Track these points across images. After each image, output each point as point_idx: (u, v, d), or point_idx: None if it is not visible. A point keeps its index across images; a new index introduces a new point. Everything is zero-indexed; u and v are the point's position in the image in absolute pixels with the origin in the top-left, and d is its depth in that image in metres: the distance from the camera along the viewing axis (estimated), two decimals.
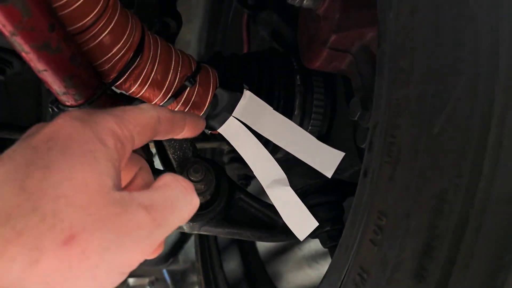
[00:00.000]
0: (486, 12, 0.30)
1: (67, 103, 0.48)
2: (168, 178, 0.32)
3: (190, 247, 1.25)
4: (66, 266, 0.25)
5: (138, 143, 0.34)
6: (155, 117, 0.36)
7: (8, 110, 0.89)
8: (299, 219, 0.56)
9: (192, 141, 0.61)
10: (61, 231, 0.25)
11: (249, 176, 0.88)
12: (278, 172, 0.56)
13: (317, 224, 0.56)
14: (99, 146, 0.29)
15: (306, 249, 0.87)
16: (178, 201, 0.31)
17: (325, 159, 0.54)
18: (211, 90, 0.55)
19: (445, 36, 0.32)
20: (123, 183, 0.36)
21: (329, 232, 0.66)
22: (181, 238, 1.25)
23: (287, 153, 0.71)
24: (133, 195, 0.29)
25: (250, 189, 0.95)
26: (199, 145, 0.92)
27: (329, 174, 0.55)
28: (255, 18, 0.78)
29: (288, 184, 0.56)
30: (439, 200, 0.31)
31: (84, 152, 0.28)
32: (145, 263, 1.04)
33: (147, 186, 0.35)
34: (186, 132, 0.42)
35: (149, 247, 0.29)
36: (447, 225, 0.31)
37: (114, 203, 0.27)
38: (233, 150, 0.63)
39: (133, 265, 0.29)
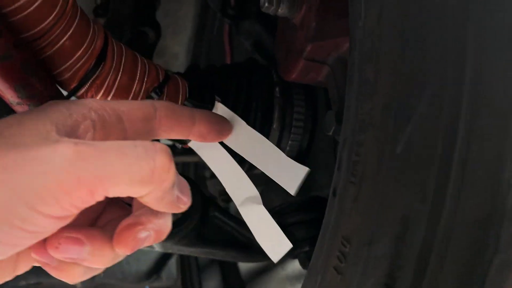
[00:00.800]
0: (453, 20, 0.27)
1: None
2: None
3: (174, 263, 1.21)
4: None
5: (131, 131, 0.32)
6: (148, 102, 0.34)
7: None
8: (273, 240, 0.53)
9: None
10: None
11: None
12: (251, 189, 0.53)
13: (291, 246, 0.52)
14: (56, 106, 0.29)
15: (289, 268, 0.84)
16: (126, 153, 0.26)
17: (290, 175, 0.51)
18: (179, 102, 0.52)
19: (410, 44, 0.29)
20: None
21: (308, 253, 0.63)
22: (164, 255, 1.21)
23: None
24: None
25: (232, 205, 0.92)
26: (180, 159, 0.89)
27: (292, 191, 0.51)
28: (238, 28, 0.76)
29: (261, 202, 0.53)
30: (402, 226, 0.28)
31: (40, 108, 0.29)
32: (127, 280, 0.99)
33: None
34: (202, 132, 0.39)
35: (64, 181, 0.25)
36: (410, 254, 0.28)
37: (40, 137, 0.26)
38: None
39: (42, 199, 0.25)
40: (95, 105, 0.31)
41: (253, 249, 0.62)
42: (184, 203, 0.32)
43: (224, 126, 0.43)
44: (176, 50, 1.22)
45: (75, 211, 0.26)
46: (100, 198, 0.26)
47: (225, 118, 0.43)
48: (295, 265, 0.86)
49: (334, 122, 0.47)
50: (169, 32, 1.21)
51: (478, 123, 0.25)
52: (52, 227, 0.27)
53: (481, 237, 0.26)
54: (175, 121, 0.36)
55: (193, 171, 1.03)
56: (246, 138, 0.52)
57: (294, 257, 0.65)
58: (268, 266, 0.86)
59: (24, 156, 0.25)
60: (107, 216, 0.34)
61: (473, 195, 0.25)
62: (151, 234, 0.30)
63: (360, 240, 0.31)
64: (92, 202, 0.26)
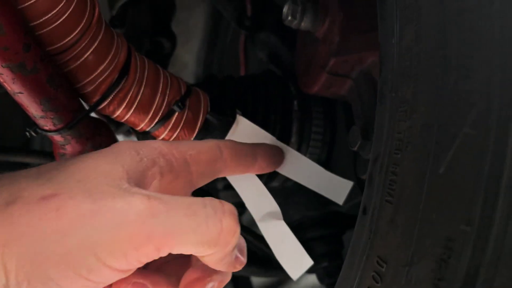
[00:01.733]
0: (498, 37, 0.26)
1: (46, 128, 0.45)
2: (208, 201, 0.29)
3: None
4: (36, 219, 0.24)
5: (197, 174, 0.33)
6: (214, 144, 0.35)
7: None
8: (293, 256, 0.52)
9: None
10: (46, 189, 0.25)
11: (243, 204, 0.85)
12: (271, 204, 0.52)
13: (312, 263, 0.52)
14: (128, 149, 0.30)
15: (302, 282, 0.83)
16: (196, 212, 0.27)
17: (335, 188, 0.53)
18: (201, 115, 0.51)
19: (453, 64, 0.28)
20: None
21: (326, 268, 0.62)
22: None
23: (284, 182, 0.68)
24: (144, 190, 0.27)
25: (245, 217, 0.92)
26: None
27: (341, 201, 0.53)
28: (253, 39, 0.75)
29: (282, 218, 0.52)
30: (445, 249, 0.27)
31: (111, 150, 0.30)
32: None
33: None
34: (261, 167, 0.40)
35: (134, 237, 0.25)
36: (454, 278, 0.27)
37: (113, 186, 0.26)
38: None
39: (111, 252, 0.25)
40: (164, 149, 0.31)
41: (271, 264, 0.61)
42: (241, 263, 0.32)
43: (280, 158, 0.44)
44: (186, 59, 1.22)
45: (138, 265, 0.26)
46: (165, 254, 0.27)
47: (280, 149, 0.45)
48: (308, 279, 0.85)
49: (360, 137, 0.46)
50: (179, 41, 1.21)
51: None
52: (114, 278, 0.27)
53: None
54: (239, 161, 0.37)
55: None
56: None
57: (312, 272, 0.64)
58: (281, 280, 0.85)
59: (100, 207, 0.25)
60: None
61: None
62: (215, 285, 0.31)
63: (399, 260, 0.31)
64: (156, 257, 0.27)
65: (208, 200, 0.28)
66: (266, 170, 0.40)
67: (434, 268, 0.28)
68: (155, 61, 0.55)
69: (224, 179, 0.85)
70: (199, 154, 0.33)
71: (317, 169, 0.53)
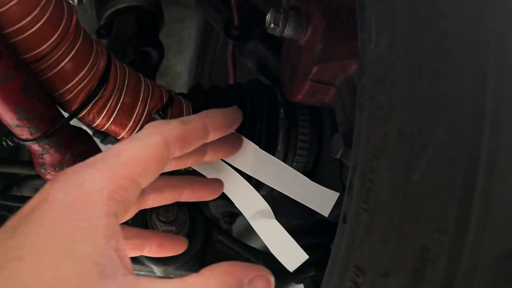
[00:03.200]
0: (472, 43, 0.26)
1: (22, 137, 0.44)
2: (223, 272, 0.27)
3: None
4: None
5: (146, 182, 0.30)
6: (161, 143, 0.31)
7: None
8: (288, 250, 0.52)
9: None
10: None
11: (234, 213, 0.84)
12: (261, 203, 0.53)
13: (307, 257, 0.52)
14: (84, 225, 0.25)
15: None
16: None
17: (320, 199, 0.52)
18: None
19: (426, 70, 0.28)
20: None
21: (313, 278, 0.61)
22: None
23: (271, 191, 0.67)
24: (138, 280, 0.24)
25: (234, 228, 0.91)
26: None
27: (326, 213, 0.53)
28: (241, 49, 0.75)
29: (273, 216, 0.52)
30: (421, 258, 0.27)
31: (64, 237, 0.24)
32: None
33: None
34: (215, 134, 0.36)
35: None
36: (431, 287, 0.26)
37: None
38: None
39: None
40: (110, 189, 0.27)
41: None
42: None
43: (237, 122, 0.40)
44: (179, 70, 1.22)
45: None
46: None
47: (227, 110, 0.40)
48: None
49: (342, 144, 0.46)
50: (172, 51, 1.21)
51: (501, 151, 0.24)
52: None
53: (505, 270, 0.24)
54: (187, 144, 0.34)
55: None
56: (260, 161, 0.52)
57: (299, 282, 0.63)
58: None
59: None
60: None
61: (498, 226, 0.24)
62: None
63: (376, 270, 0.30)
64: None
65: None
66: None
67: (410, 279, 0.27)
68: (143, 71, 0.55)
69: None
70: (148, 165, 0.30)
71: (302, 180, 0.53)
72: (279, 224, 0.53)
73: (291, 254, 0.53)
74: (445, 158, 0.26)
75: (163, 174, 0.33)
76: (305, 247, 0.61)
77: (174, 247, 0.48)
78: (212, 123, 0.36)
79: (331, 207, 0.52)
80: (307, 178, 0.53)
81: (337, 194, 0.53)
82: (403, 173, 0.28)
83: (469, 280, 0.25)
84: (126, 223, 0.50)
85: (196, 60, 1.07)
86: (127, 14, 0.69)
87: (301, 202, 0.53)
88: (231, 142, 0.39)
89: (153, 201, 0.38)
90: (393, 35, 0.31)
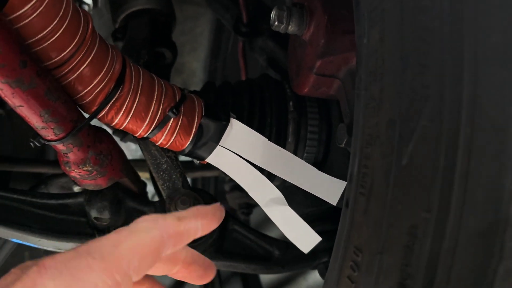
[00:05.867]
0: (449, 38, 0.28)
1: (48, 138, 0.47)
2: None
3: None
4: None
5: (138, 277, 0.29)
6: (158, 239, 0.30)
7: (12, 142, 0.90)
8: (302, 234, 0.55)
9: (182, 171, 0.60)
10: None
11: (250, 204, 0.87)
12: (274, 191, 0.55)
13: (320, 238, 0.55)
14: None
15: (310, 279, 0.85)
16: None
17: (329, 188, 0.54)
18: (196, 120, 0.54)
19: (410, 62, 0.30)
20: None
21: (327, 263, 0.64)
22: None
23: (284, 181, 0.70)
24: None
25: (252, 218, 0.94)
26: (200, 174, 0.91)
27: (334, 202, 0.55)
28: (251, 45, 0.78)
29: (286, 203, 0.55)
30: (410, 236, 0.29)
31: None
32: None
33: None
34: (204, 231, 0.35)
35: None
36: (419, 263, 0.28)
37: None
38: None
39: None
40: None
41: (272, 261, 0.63)
42: None
43: (219, 214, 0.38)
44: (194, 67, 1.25)
45: None
46: None
47: (216, 207, 0.38)
48: (316, 276, 0.86)
49: (346, 134, 0.48)
50: (187, 49, 1.25)
51: (477, 135, 0.26)
52: None
53: (486, 245, 0.27)
54: (181, 241, 0.33)
55: (213, 186, 1.05)
56: (269, 154, 0.54)
57: (313, 268, 0.66)
58: (290, 277, 0.87)
59: None
60: None
61: (477, 204, 0.26)
62: None
63: (372, 249, 0.32)
64: None
65: None
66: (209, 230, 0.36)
67: (401, 255, 0.30)
68: (156, 71, 0.58)
69: (231, 179, 0.88)
70: (143, 259, 0.29)
71: (311, 170, 0.55)
72: (292, 210, 0.55)
73: (305, 237, 0.56)
74: (429, 143, 0.28)
75: None
76: (318, 234, 0.64)
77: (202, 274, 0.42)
78: (204, 220, 0.35)
79: (339, 196, 0.55)
80: (316, 169, 0.55)
81: (345, 183, 0.54)
82: (393, 158, 0.31)
83: (452, 254, 0.27)
84: None
85: (210, 57, 1.10)
86: (141, 17, 0.72)
87: (310, 191, 0.56)
88: (204, 267, 0.39)
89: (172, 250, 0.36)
90: (382, 29, 0.33)
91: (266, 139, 0.55)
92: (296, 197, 0.71)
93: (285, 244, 0.64)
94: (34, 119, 0.45)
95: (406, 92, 0.30)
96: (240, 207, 0.87)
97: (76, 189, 0.71)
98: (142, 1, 0.72)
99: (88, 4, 0.90)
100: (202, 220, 0.35)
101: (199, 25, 1.23)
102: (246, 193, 0.83)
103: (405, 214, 0.29)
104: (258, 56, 0.79)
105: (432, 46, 0.28)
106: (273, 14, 0.53)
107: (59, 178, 0.73)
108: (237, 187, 0.87)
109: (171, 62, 0.75)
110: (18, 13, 0.39)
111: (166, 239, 0.31)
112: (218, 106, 0.56)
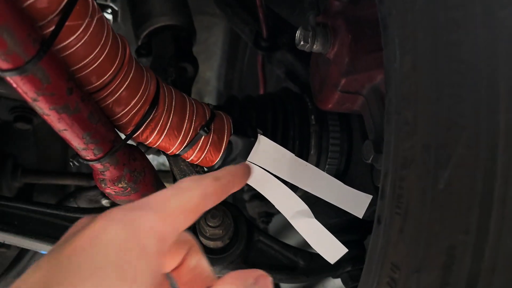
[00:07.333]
0: (484, 65, 0.30)
1: (87, 158, 0.50)
2: (230, 279, 0.31)
3: None
4: None
5: (182, 229, 0.32)
6: (200, 196, 0.33)
7: (37, 155, 0.93)
8: (328, 245, 0.57)
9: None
10: None
11: (269, 213, 0.89)
12: (300, 204, 0.57)
13: (346, 250, 0.56)
14: (139, 255, 0.28)
15: (329, 286, 0.86)
16: None
17: (354, 201, 0.56)
18: (225, 137, 0.56)
19: (446, 90, 0.32)
20: (172, 266, 0.34)
21: (350, 272, 0.66)
22: None
23: (306, 192, 0.72)
24: None
25: (271, 227, 0.95)
26: None
27: (360, 215, 0.57)
28: (270, 58, 0.80)
29: (312, 215, 0.57)
30: (448, 256, 0.31)
31: (117, 275, 0.27)
32: None
33: (197, 269, 0.34)
34: (236, 188, 0.39)
35: None
36: (458, 282, 0.30)
37: None
38: (253, 188, 0.64)
39: None
40: None
41: (297, 271, 0.65)
42: None
43: (248, 172, 0.41)
44: (207, 76, 1.27)
45: None
46: None
47: (244, 166, 0.41)
48: (335, 283, 0.88)
49: (372, 151, 0.50)
50: (201, 59, 1.27)
51: None
52: None
53: None
54: (219, 198, 0.35)
55: (232, 195, 1.07)
56: (295, 168, 0.56)
57: (336, 277, 0.68)
58: (309, 285, 0.89)
59: None
60: None
61: None
62: None
63: (409, 267, 0.34)
64: None
65: None
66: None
67: (440, 274, 0.32)
68: (180, 86, 0.60)
69: (250, 189, 0.89)
70: (188, 215, 0.32)
71: (336, 184, 0.57)
72: (318, 223, 0.57)
73: (331, 248, 0.58)
74: (466, 169, 0.30)
75: None
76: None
77: None
78: (236, 178, 0.38)
79: (365, 209, 0.56)
80: (341, 182, 0.57)
81: (370, 196, 0.57)
82: (430, 181, 0.32)
83: (492, 275, 0.29)
84: None
85: (225, 67, 1.12)
86: (163, 33, 0.74)
87: (336, 205, 0.58)
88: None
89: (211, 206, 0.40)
90: (414, 58, 0.35)
91: (293, 154, 0.57)
92: (318, 208, 0.73)
93: (309, 254, 0.66)
94: (76, 142, 0.47)
95: (442, 120, 0.32)
96: (259, 216, 0.89)
97: (104, 202, 0.73)
98: (165, 18, 0.74)
99: (108, 19, 0.92)
100: (235, 178, 0.38)
101: (212, 34, 1.25)
102: (266, 202, 0.85)
103: (443, 235, 0.31)
104: (277, 69, 0.81)
105: (467, 75, 0.30)
106: (298, 34, 0.55)
107: (87, 192, 0.76)
108: (256, 196, 0.89)
109: (192, 76, 0.78)
110: (64, 44, 0.42)
111: (206, 197, 0.33)
112: (245, 123, 0.58)
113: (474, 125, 0.30)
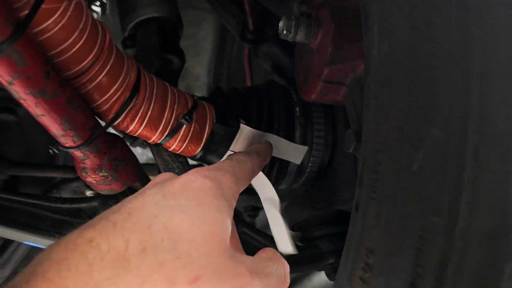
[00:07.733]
0: (458, 51, 0.30)
1: (66, 145, 0.49)
2: (271, 254, 0.37)
3: None
4: None
5: (242, 190, 0.39)
6: (251, 167, 0.43)
7: (23, 148, 0.92)
8: (284, 238, 0.60)
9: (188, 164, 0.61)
10: (191, 271, 0.29)
11: (256, 207, 0.88)
12: (272, 192, 0.58)
13: (295, 252, 0.60)
14: (225, 204, 0.34)
15: (315, 280, 0.86)
16: (273, 275, 0.35)
17: (294, 152, 0.65)
18: (207, 127, 0.56)
19: (420, 74, 0.32)
20: None
21: (333, 265, 0.65)
22: None
23: (290, 185, 0.71)
24: (241, 258, 0.33)
25: (258, 221, 0.95)
26: None
27: (298, 162, 0.66)
28: (257, 51, 0.79)
29: (278, 207, 0.57)
30: (420, 238, 0.31)
31: (214, 207, 0.33)
32: None
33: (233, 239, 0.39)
34: (268, 160, 0.51)
35: None
36: (429, 264, 0.30)
37: (229, 258, 0.31)
38: None
39: None
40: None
41: None
42: None
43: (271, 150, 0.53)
44: (197, 71, 1.27)
45: None
46: None
47: (268, 145, 0.54)
48: (321, 277, 0.88)
49: (354, 140, 0.50)
50: (190, 54, 1.26)
51: (485, 144, 0.28)
52: None
53: (494, 247, 0.28)
54: (259, 169, 0.46)
55: None
56: (254, 138, 0.59)
57: (320, 269, 0.67)
58: (295, 279, 0.88)
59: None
60: None
61: (484, 209, 0.28)
62: None
63: (384, 251, 0.34)
64: None
65: None
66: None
67: (412, 256, 0.32)
68: (165, 77, 0.60)
69: None
70: (247, 182, 0.41)
71: (279, 140, 0.62)
72: (280, 216, 0.59)
73: (285, 242, 0.60)
74: (439, 150, 0.30)
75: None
76: (324, 236, 0.66)
77: None
78: (268, 155, 0.50)
79: (302, 157, 0.65)
80: (282, 138, 0.62)
81: (306, 147, 0.65)
82: (403, 163, 0.32)
83: (463, 256, 0.29)
84: None
85: (215, 62, 1.12)
86: (150, 25, 0.73)
87: (279, 157, 0.63)
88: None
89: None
90: (391, 43, 0.35)
91: (249, 127, 0.57)
92: (303, 199, 0.73)
93: None
94: (54, 127, 0.47)
95: (416, 103, 0.32)
96: (246, 209, 0.89)
97: (88, 193, 0.72)
98: (151, 9, 0.74)
99: (97, 12, 0.92)
100: (267, 154, 0.50)
101: (202, 29, 1.24)
102: (252, 196, 0.85)
103: (416, 218, 0.31)
104: (263, 62, 0.80)
105: (441, 58, 0.30)
106: (281, 23, 0.55)
107: (70, 183, 0.75)
108: (243, 190, 0.89)
109: (179, 69, 0.77)
110: (41, 27, 0.41)
111: (255, 167, 0.43)
112: (228, 113, 0.58)
113: (447, 107, 0.30)
